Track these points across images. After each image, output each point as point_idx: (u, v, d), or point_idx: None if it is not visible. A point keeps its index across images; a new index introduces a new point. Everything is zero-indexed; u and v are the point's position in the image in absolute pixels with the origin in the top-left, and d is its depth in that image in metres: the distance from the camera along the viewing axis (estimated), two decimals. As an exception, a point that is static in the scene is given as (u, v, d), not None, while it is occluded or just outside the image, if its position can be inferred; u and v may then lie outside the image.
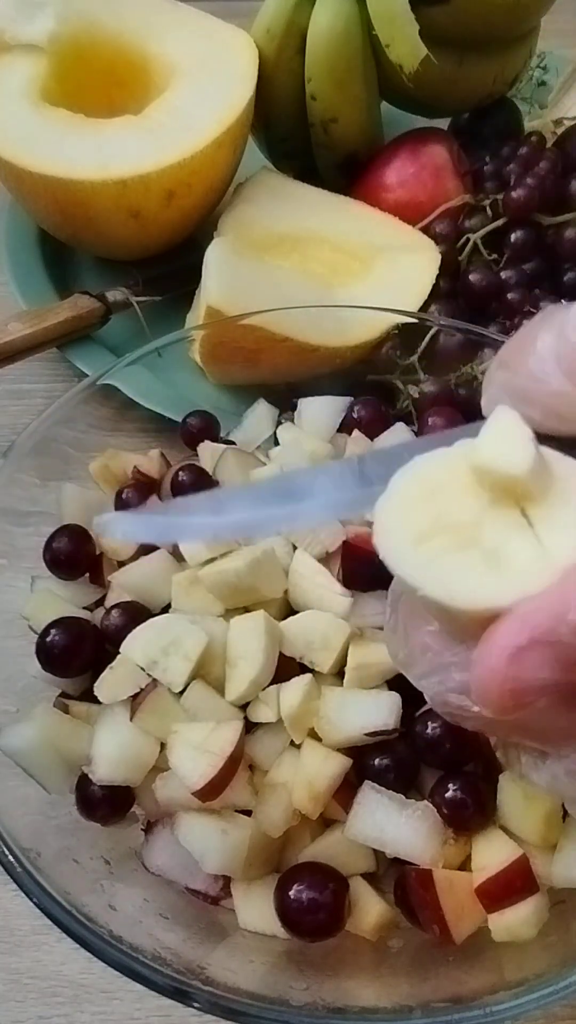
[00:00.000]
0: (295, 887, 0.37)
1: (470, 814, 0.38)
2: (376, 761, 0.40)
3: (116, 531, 0.31)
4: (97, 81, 0.69)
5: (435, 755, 0.40)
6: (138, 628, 0.41)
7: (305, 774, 0.39)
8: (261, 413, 0.57)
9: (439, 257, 0.63)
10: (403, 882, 0.38)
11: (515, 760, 0.27)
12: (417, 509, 0.24)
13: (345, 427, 0.54)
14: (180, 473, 0.51)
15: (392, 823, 0.38)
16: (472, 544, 0.23)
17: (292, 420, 0.56)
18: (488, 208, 0.64)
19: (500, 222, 0.63)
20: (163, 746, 0.40)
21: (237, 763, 0.39)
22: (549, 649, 0.21)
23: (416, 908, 0.37)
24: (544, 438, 0.24)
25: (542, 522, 0.23)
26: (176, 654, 0.40)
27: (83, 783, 0.40)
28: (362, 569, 0.43)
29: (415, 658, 0.27)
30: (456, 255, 0.64)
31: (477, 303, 0.63)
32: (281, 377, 0.59)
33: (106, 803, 0.40)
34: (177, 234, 0.68)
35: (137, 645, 0.41)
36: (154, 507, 0.29)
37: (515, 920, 0.36)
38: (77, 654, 0.43)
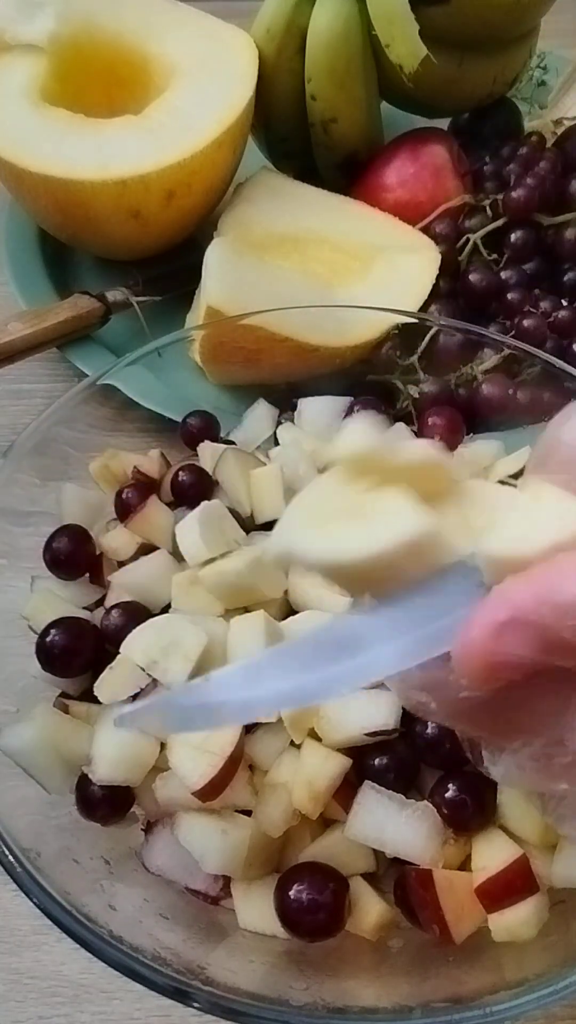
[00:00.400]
0: (295, 887, 0.37)
1: (470, 814, 0.38)
2: (376, 761, 0.40)
3: (142, 726, 0.29)
4: (97, 81, 0.69)
5: (435, 755, 0.40)
6: (138, 628, 0.41)
7: (305, 774, 0.39)
8: (261, 413, 0.57)
9: (439, 257, 0.63)
10: (403, 882, 0.38)
11: (478, 755, 0.28)
12: (314, 512, 0.26)
13: (345, 427, 0.54)
14: (180, 473, 0.51)
15: (392, 823, 0.38)
16: (358, 514, 0.24)
17: (292, 420, 0.56)
18: (488, 208, 0.64)
19: (500, 222, 0.63)
20: (163, 746, 0.40)
21: (237, 763, 0.39)
22: (530, 628, 0.22)
23: (416, 908, 0.37)
24: None
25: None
26: (176, 654, 0.40)
27: (83, 783, 0.40)
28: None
29: None
30: (456, 255, 0.64)
31: (477, 303, 0.63)
32: (281, 377, 0.59)
33: (106, 803, 0.40)
34: (177, 234, 0.68)
35: (137, 645, 0.41)
36: (180, 691, 0.26)
37: (515, 920, 0.36)
38: (77, 654, 0.43)
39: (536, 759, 0.25)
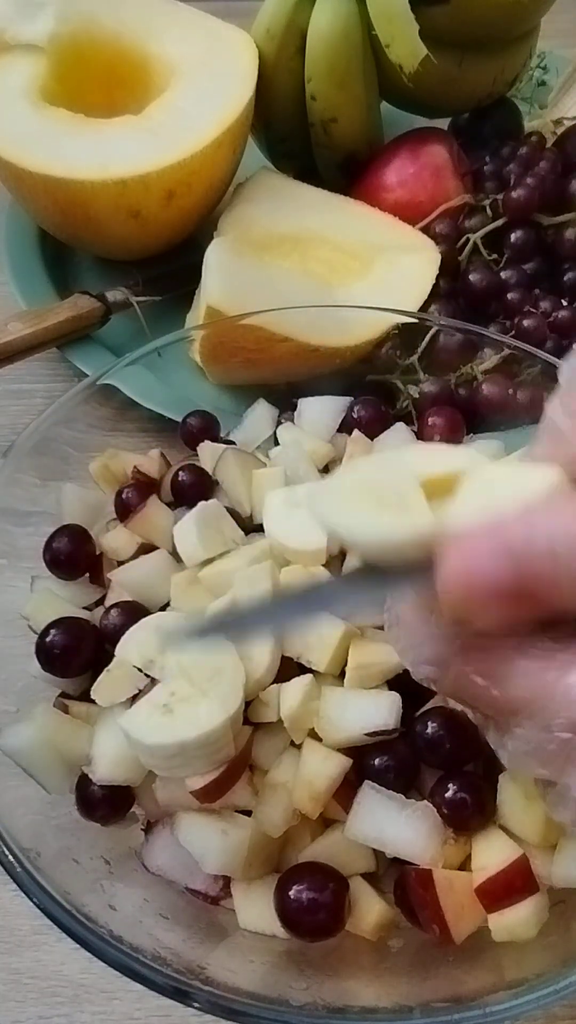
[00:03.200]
0: (295, 887, 0.37)
1: (470, 814, 0.38)
2: (376, 761, 0.40)
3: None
4: (97, 81, 0.69)
5: (435, 755, 0.40)
6: (131, 629, 0.41)
7: (305, 774, 0.39)
8: (261, 413, 0.56)
9: (439, 257, 0.63)
10: (403, 882, 0.38)
11: (489, 736, 0.30)
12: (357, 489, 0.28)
13: (345, 427, 0.54)
14: (180, 473, 0.51)
15: (392, 823, 0.38)
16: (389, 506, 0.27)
17: (292, 420, 0.55)
18: (488, 208, 0.64)
19: (500, 222, 0.63)
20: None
21: (242, 766, 0.39)
22: (497, 538, 0.24)
23: (416, 908, 0.37)
24: None
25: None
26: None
27: (83, 783, 0.40)
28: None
29: (397, 633, 0.31)
30: (456, 255, 0.64)
31: (477, 303, 0.63)
32: (281, 377, 0.59)
33: (106, 803, 0.40)
34: (177, 234, 0.68)
35: (132, 646, 0.41)
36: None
37: (515, 920, 0.36)
38: (77, 654, 0.43)
39: (529, 742, 0.27)
